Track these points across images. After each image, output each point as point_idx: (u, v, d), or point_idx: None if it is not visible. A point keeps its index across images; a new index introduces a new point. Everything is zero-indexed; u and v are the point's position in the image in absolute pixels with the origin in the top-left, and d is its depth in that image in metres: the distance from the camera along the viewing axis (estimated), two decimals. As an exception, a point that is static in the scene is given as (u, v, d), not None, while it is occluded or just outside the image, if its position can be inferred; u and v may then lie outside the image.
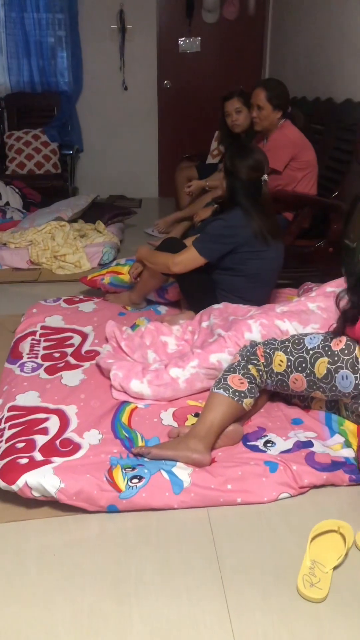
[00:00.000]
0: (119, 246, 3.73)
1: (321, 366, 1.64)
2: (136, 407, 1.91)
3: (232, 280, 2.36)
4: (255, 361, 1.73)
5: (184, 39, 5.30)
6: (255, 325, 2.02)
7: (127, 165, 5.56)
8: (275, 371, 1.73)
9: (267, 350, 1.74)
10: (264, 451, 1.68)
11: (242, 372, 1.72)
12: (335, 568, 1.31)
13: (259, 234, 2.24)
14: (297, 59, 4.30)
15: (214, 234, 2.27)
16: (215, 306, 2.33)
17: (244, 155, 2.26)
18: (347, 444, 1.71)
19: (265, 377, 1.74)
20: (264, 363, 1.73)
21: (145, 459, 1.61)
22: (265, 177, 2.27)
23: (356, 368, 1.59)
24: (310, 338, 1.72)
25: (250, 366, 1.73)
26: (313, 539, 1.36)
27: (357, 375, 1.59)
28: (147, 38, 5.22)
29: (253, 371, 1.72)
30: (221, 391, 1.68)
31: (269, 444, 1.71)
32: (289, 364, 1.70)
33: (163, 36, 5.26)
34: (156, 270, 2.47)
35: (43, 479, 1.47)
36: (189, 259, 2.30)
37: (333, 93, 3.42)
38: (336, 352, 1.63)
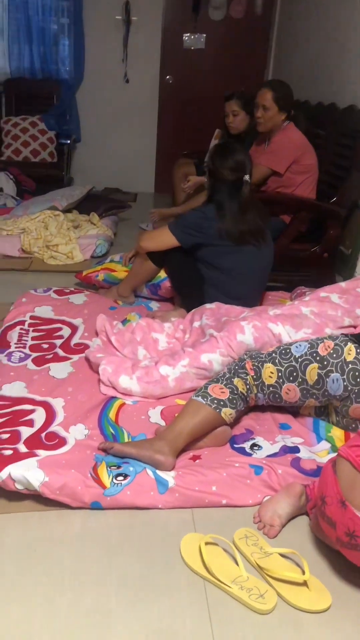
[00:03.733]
0: (113, 239, 3.69)
1: (312, 372, 1.63)
2: (124, 404, 1.89)
3: (213, 275, 2.39)
4: (243, 375, 1.71)
5: (188, 34, 5.26)
6: (248, 327, 2.01)
7: (124, 158, 5.52)
8: (266, 384, 1.70)
9: (256, 364, 1.72)
10: (250, 454, 1.67)
11: (224, 382, 1.69)
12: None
13: (225, 233, 2.28)
14: (302, 62, 4.29)
15: (189, 220, 2.35)
16: (208, 306, 2.32)
17: (226, 155, 2.30)
18: (334, 450, 1.70)
19: (255, 391, 1.72)
20: (254, 376, 1.71)
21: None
22: (247, 177, 2.28)
23: (345, 370, 1.59)
24: (297, 346, 1.70)
25: (236, 379, 1.70)
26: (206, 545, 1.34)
27: (345, 377, 1.59)
28: (152, 31, 5.17)
29: (238, 384, 1.69)
30: (199, 398, 1.65)
31: (255, 447, 1.70)
32: (280, 374, 1.69)
33: (168, 31, 5.22)
34: (136, 248, 2.58)
35: (27, 472, 1.45)
36: (160, 235, 2.39)
37: (336, 98, 3.41)
38: (325, 357, 1.62)
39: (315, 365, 1.63)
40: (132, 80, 5.31)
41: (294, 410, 1.88)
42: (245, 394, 1.71)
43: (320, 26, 3.87)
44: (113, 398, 1.91)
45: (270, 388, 1.71)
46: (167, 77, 5.36)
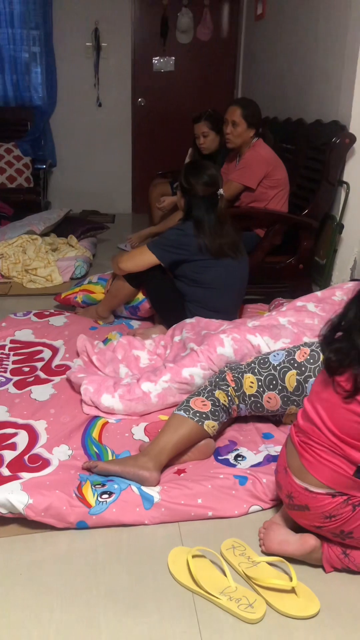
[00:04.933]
0: (92, 260, 3.71)
1: (291, 379, 1.66)
2: (107, 422, 1.89)
3: (194, 290, 2.40)
4: (224, 387, 1.73)
5: (158, 58, 5.38)
6: (228, 339, 2.03)
7: (101, 180, 5.58)
8: (247, 394, 1.72)
9: (236, 375, 1.74)
10: (235, 465, 1.68)
11: (206, 395, 1.71)
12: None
13: (205, 248, 2.31)
14: (269, 81, 4.40)
15: (169, 238, 2.37)
16: (188, 320, 2.34)
17: (199, 172, 2.34)
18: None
19: (237, 402, 1.74)
20: (235, 387, 1.73)
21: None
22: (221, 191, 2.33)
23: None
24: (274, 355, 1.73)
25: (217, 391, 1.71)
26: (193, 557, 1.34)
27: None
28: (122, 56, 5.28)
29: (219, 396, 1.71)
30: (181, 412, 1.66)
31: (239, 458, 1.71)
32: (260, 383, 1.71)
33: (138, 55, 5.33)
34: (114, 270, 2.56)
35: (11, 495, 1.44)
36: (140, 255, 2.39)
37: (303, 114, 3.51)
38: (302, 363, 1.65)
39: (294, 372, 1.66)
40: (104, 103, 5.40)
41: (277, 420, 1.90)
42: (227, 406, 1.72)
43: (285, 46, 3.99)
44: (96, 417, 1.91)
45: (252, 398, 1.73)
46: (139, 99, 5.45)
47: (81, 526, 1.46)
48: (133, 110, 5.47)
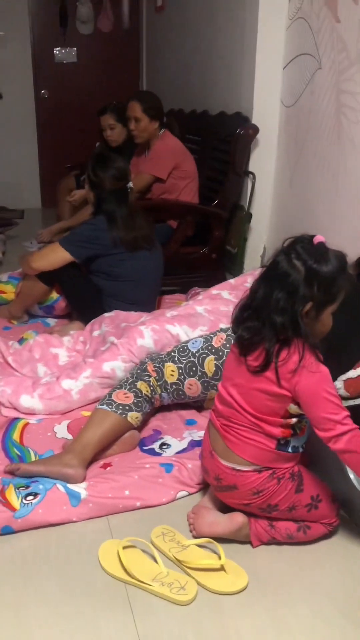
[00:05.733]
0: (1, 259, 3.58)
1: (210, 364, 1.70)
2: (28, 423, 1.84)
3: (111, 284, 2.39)
4: (145, 377, 1.74)
5: (59, 48, 5.24)
6: (147, 330, 2.04)
7: (6, 175, 5.35)
8: (169, 382, 1.75)
9: (157, 364, 1.76)
10: (160, 454, 1.70)
11: (128, 387, 1.71)
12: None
13: (119, 242, 2.30)
14: (173, 73, 4.43)
15: (81, 233, 2.34)
16: (107, 314, 2.33)
17: (107, 166, 2.32)
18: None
19: (159, 391, 1.76)
20: (156, 377, 1.75)
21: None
22: (130, 184, 2.33)
23: None
24: (193, 342, 1.78)
25: (139, 382, 1.73)
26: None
27: None
28: (21, 46, 5.08)
29: (141, 387, 1.72)
30: (104, 406, 1.66)
31: (164, 446, 1.73)
32: (180, 371, 1.74)
33: (38, 45, 5.16)
34: (24, 270, 2.49)
35: None
36: (52, 252, 2.33)
37: (208, 106, 3.57)
38: (219, 348, 1.70)
39: (212, 357, 1.70)
40: (5, 95, 5.18)
41: (199, 406, 1.94)
42: (150, 396, 1.74)
43: (186, 38, 4.04)
44: (16, 419, 1.86)
45: (174, 386, 1.75)
46: (42, 91, 5.30)
47: (6, 531, 1.41)
48: (37, 103, 5.30)
